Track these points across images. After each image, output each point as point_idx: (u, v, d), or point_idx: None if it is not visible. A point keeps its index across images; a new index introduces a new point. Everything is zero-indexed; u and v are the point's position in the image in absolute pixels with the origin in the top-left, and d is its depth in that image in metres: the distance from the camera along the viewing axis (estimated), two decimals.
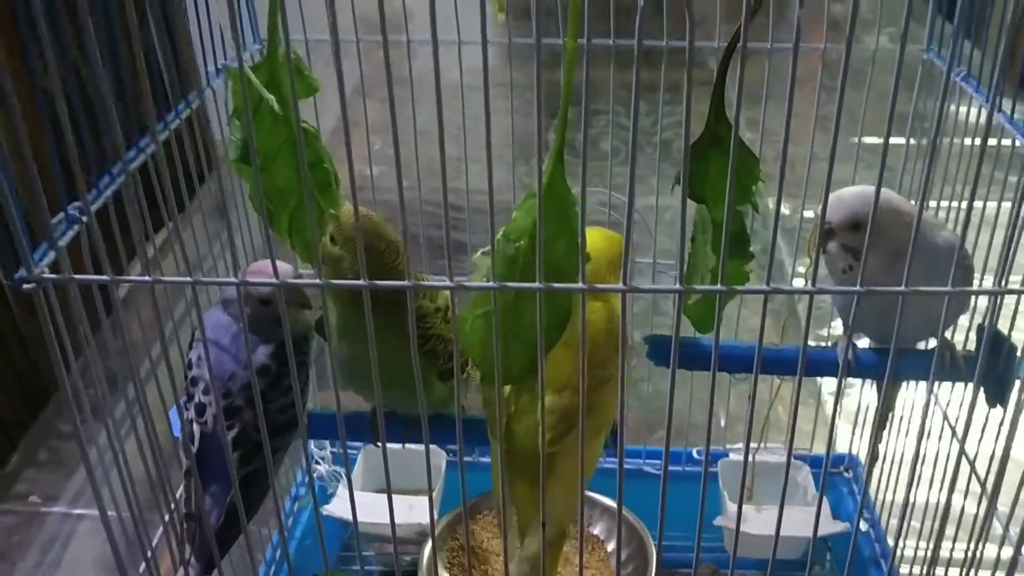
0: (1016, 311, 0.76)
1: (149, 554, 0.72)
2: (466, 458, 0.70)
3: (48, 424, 1.48)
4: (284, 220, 0.79)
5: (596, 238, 0.80)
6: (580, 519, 0.71)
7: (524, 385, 0.75)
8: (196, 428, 0.76)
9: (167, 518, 0.75)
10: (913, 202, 0.87)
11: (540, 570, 0.72)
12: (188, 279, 0.58)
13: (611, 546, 1.16)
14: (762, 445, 1.15)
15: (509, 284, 0.59)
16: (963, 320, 0.85)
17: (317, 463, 1.21)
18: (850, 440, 1.21)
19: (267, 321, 0.76)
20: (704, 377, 1.03)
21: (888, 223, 0.77)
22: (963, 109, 0.92)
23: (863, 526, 1.13)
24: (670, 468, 1.22)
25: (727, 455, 1.18)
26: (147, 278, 0.58)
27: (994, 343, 0.79)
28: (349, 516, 1.12)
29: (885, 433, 1.00)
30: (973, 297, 0.79)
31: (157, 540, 0.77)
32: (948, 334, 0.84)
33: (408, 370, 0.72)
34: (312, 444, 1.24)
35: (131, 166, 0.65)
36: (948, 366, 0.79)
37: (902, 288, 0.61)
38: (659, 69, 0.93)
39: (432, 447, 1.19)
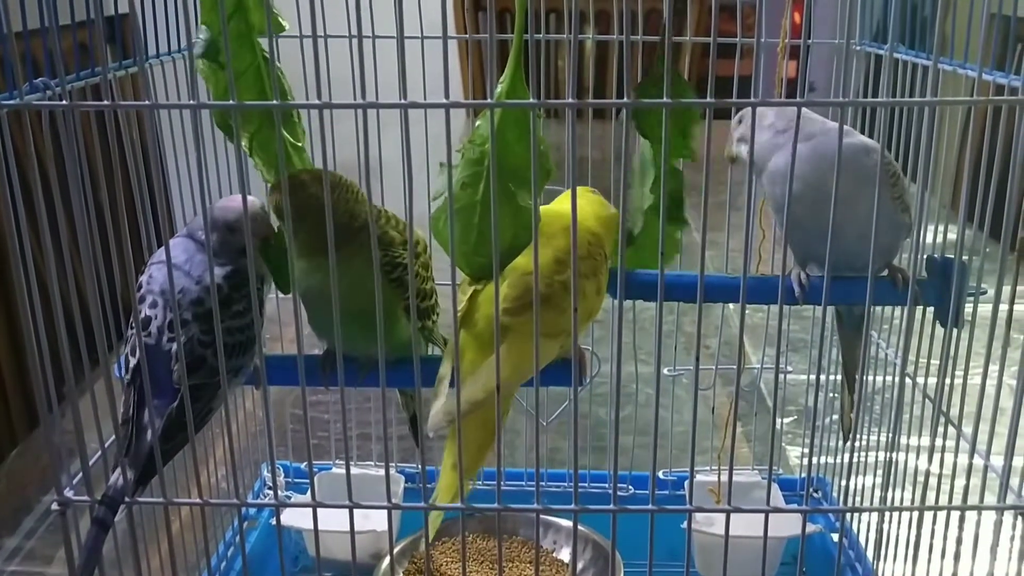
0: None
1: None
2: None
3: None
4: (246, 139, 0.81)
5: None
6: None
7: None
8: (140, 341, 0.74)
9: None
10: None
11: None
12: (147, 102, 0.59)
13: (578, 569, 1.11)
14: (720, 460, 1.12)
15: (506, 102, 0.61)
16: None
17: (269, 488, 1.17)
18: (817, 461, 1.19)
19: (231, 249, 0.77)
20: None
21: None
22: None
23: (834, 536, 1.10)
24: (637, 492, 1.20)
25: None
26: (105, 103, 0.58)
27: (943, 268, 0.80)
28: (305, 525, 1.08)
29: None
30: (915, 220, 0.80)
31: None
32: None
33: (372, 302, 0.69)
34: (265, 470, 1.20)
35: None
36: (900, 288, 0.80)
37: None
38: None
39: (392, 474, 1.17)
